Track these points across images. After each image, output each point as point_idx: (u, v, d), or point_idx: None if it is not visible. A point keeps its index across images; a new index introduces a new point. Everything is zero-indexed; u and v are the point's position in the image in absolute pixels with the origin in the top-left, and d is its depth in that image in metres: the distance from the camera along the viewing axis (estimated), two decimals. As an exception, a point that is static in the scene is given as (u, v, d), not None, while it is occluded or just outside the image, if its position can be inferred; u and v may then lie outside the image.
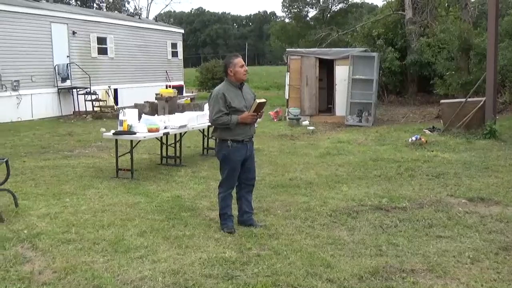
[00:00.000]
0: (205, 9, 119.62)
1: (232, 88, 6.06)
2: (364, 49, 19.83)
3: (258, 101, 6.00)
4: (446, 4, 27.38)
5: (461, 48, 18.58)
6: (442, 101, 15.72)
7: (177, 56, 30.41)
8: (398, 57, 22.68)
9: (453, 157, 10.84)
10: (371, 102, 17.13)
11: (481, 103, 13.84)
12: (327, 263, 5.10)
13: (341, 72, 17.71)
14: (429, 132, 14.50)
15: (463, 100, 14.45)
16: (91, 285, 4.64)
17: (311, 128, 16.08)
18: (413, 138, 12.74)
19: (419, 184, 8.47)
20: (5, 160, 6.99)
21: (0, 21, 18.23)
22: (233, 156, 6.06)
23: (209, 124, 10.39)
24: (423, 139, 12.63)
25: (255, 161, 10.35)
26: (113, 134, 9.17)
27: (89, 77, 21.33)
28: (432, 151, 11.54)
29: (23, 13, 19.46)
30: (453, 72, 18.57)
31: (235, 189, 6.36)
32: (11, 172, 7.17)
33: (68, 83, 21.18)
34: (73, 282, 4.71)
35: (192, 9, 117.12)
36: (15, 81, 18.78)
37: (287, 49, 20.54)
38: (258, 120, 6.28)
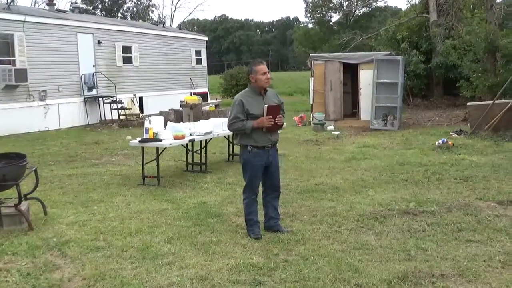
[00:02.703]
0: (228, 16, 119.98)
1: (253, 94, 6.08)
2: (389, 52, 19.69)
3: (266, 105, 5.98)
4: (471, 5, 27.06)
5: (487, 50, 18.35)
6: (468, 103, 15.53)
7: (201, 64, 30.56)
8: (423, 60, 22.48)
9: (481, 160, 10.70)
10: (396, 106, 17.01)
11: (509, 105, 13.66)
12: (355, 268, 5.06)
13: (366, 76, 17.63)
14: (456, 135, 14.34)
15: (490, 102, 14.27)
16: (120, 291, 4.67)
17: (336, 133, 16.03)
18: (440, 142, 12.63)
19: (447, 188, 8.38)
20: (34, 169, 7.09)
21: (27, 32, 18.50)
22: (253, 161, 6.08)
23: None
24: (450, 142, 12.51)
25: (281, 166, 10.38)
26: (139, 141, 9.25)
27: (115, 86, 21.54)
28: (460, 154, 11.41)
29: (50, 24, 19.76)
30: (479, 74, 18.33)
31: (261, 194, 6.37)
32: (39, 181, 7.26)
33: (94, 92, 21.42)
34: (102, 289, 4.75)
35: (216, 16, 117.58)
36: (42, 91, 19.05)
37: (310, 54, 20.52)
38: (284, 124, 6.25)
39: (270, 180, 6.28)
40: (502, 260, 5.19)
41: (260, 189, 6.36)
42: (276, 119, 6.00)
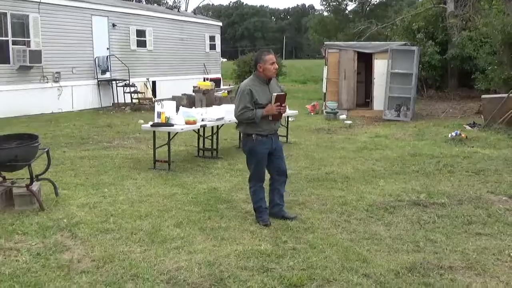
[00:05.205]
0: (243, 2, 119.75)
1: (259, 83, 6.06)
2: (404, 42, 19.54)
3: (275, 94, 5.99)
4: (489, -3, 26.74)
5: (504, 42, 18.11)
6: (483, 96, 15.41)
7: (215, 49, 30.49)
8: (438, 51, 22.29)
9: (493, 153, 10.63)
10: (410, 97, 16.89)
11: (524, 98, 13.53)
12: (363, 258, 5.06)
13: (380, 66, 17.50)
14: (470, 127, 14.24)
15: (505, 95, 14.14)
16: (128, 274, 4.70)
17: (348, 122, 15.97)
18: (453, 134, 12.54)
19: (458, 180, 8.33)
20: (46, 150, 7.13)
21: (43, 14, 18.55)
22: (258, 149, 6.08)
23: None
24: (463, 135, 12.42)
25: (291, 154, 10.40)
26: (151, 126, 9.27)
27: (128, 69, 21.56)
28: (472, 147, 11.34)
29: (65, 5, 19.75)
30: (495, 67, 18.13)
31: (268, 181, 6.37)
32: (51, 162, 7.30)
33: (107, 75, 21.46)
34: (111, 271, 4.78)
35: (231, 2, 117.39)
36: (56, 72, 19.11)
37: (325, 43, 20.38)
38: (288, 112, 6.23)
39: (276, 166, 6.29)
40: (511, 254, 5.16)
41: (267, 176, 6.36)
42: (282, 107, 6.03)
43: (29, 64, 17.72)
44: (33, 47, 18.11)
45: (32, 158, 6.75)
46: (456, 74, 23.88)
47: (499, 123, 13.64)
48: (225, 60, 39.34)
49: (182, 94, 20.14)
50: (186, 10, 48.20)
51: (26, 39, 18.12)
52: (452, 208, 6.76)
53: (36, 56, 17.87)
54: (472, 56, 20.76)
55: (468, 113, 18.25)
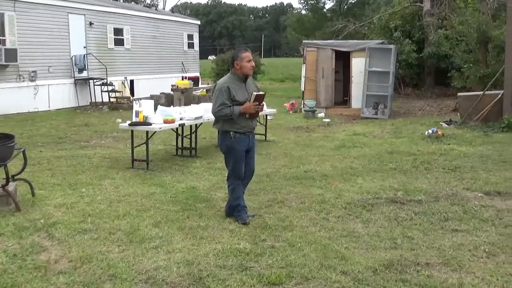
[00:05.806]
0: (221, 1, 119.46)
1: (236, 81, 6.08)
2: (381, 41, 19.69)
3: (255, 93, 6.02)
4: (465, -5, 27.06)
5: (480, 41, 18.37)
6: (459, 94, 15.60)
7: (193, 48, 30.41)
8: (415, 50, 22.51)
9: (470, 150, 10.76)
10: (387, 95, 17.03)
11: (499, 96, 13.73)
12: (341, 255, 5.09)
13: (358, 64, 17.63)
14: (446, 125, 14.40)
15: (481, 93, 14.33)
16: (107, 274, 4.67)
17: (327, 120, 16.04)
18: (430, 131, 12.68)
19: (435, 177, 8.42)
20: (22, 150, 7.04)
21: (18, 12, 18.32)
22: (237, 146, 6.10)
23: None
24: (439, 132, 12.56)
25: (270, 152, 10.42)
26: (129, 125, 9.21)
27: (106, 68, 21.41)
28: (449, 144, 11.47)
29: (41, 3, 19.52)
30: (471, 65, 18.36)
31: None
32: (28, 162, 7.22)
33: (84, 74, 21.27)
34: (88, 271, 4.74)
35: (209, 0, 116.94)
36: (32, 71, 18.90)
37: (303, 41, 20.46)
38: (267, 110, 6.26)
39: (248, 165, 6.30)
40: (487, 250, 5.23)
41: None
42: (259, 106, 6.08)
43: (4, 63, 17.51)
44: (8, 45, 17.89)
45: (8, 158, 6.66)
46: (433, 72, 24.13)
47: (475, 120, 13.82)
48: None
49: (160, 93, 20.07)
50: (164, 9, 48.00)
51: (1, 37, 17.88)
52: (429, 205, 6.83)
53: (11, 54, 17.67)
54: (448, 54, 21.02)
55: (444, 110, 18.46)
